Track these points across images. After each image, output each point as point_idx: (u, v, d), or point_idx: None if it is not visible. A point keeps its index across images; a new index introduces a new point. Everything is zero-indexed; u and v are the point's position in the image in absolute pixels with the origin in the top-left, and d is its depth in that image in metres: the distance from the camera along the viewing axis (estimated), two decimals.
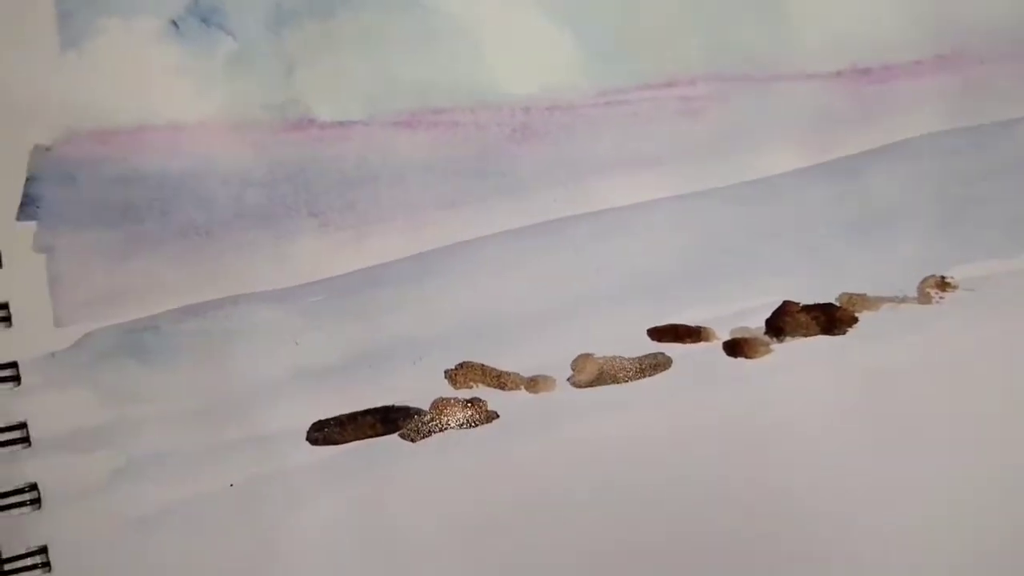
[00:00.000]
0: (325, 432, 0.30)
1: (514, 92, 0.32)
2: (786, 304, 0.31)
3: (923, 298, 0.31)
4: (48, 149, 0.31)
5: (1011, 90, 0.32)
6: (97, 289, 0.30)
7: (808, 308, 0.31)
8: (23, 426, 0.30)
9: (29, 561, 0.29)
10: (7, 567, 0.29)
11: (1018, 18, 0.33)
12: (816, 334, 0.31)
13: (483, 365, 0.31)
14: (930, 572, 0.30)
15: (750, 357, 0.31)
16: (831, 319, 0.31)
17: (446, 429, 0.30)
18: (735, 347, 0.31)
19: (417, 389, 0.30)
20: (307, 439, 0.30)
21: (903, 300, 0.31)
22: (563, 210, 0.32)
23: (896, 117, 0.32)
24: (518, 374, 0.31)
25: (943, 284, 0.31)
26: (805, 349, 0.31)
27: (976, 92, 0.32)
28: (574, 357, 0.31)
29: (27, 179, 0.31)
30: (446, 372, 0.31)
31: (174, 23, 0.32)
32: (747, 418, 0.30)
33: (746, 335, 0.31)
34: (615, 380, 0.31)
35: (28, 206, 0.31)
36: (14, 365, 0.30)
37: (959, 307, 0.31)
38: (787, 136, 0.32)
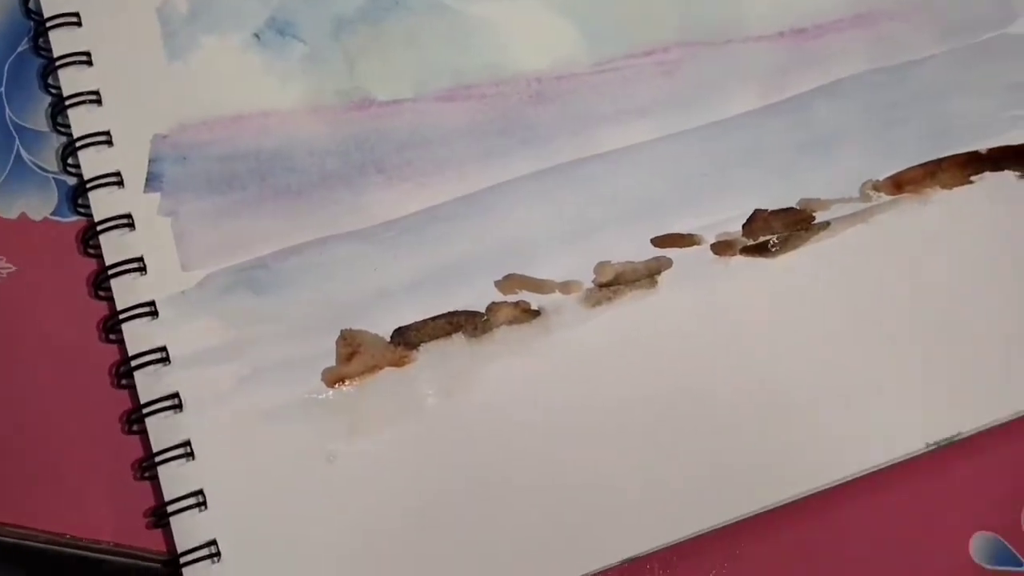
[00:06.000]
0: (405, 336, 0.38)
1: (528, 68, 0.40)
2: (756, 212, 0.39)
3: (864, 197, 0.40)
4: (165, 137, 0.39)
5: (916, 37, 0.41)
6: (214, 240, 0.38)
7: (774, 213, 0.39)
8: (163, 349, 0.37)
9: (176, 452, 0.36)
10: (158, 458, 0.36)
11: None
12: (782, 231, 0.39)
13: (524, 275, 0.38)
14: None
15: (732, 255, 0.39)
16: (794, 219, 0.39)
17: (500, 326, 0.38)
18: (720, 247, 0.39)
19: (475, 298, 0.38)
20: (391, 342, 0.38)
21: (849, 200, 0.40)
22: (574, 155, 0.40)
23: (829, 63, 0.41)
24: (553, 280, 0.38)
25: (878, 186, 0.40)
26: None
27: (889, 40, 0.41)
28: (595, 265, 0.39)
29: (150, 160, 0.39)
30: (495, 283, 0.38)
31: (256, 36, 0.40)
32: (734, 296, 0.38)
33: (728, 238, 0.39)
34: (629, 279, 0.39)
35: (152, 181, 0.39)
36: (152, 303, 0.38)
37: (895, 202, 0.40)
38: (745, 85, 0.41)
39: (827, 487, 0.37)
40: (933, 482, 0.38)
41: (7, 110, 0.41)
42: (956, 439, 0.37)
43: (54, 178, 0.41)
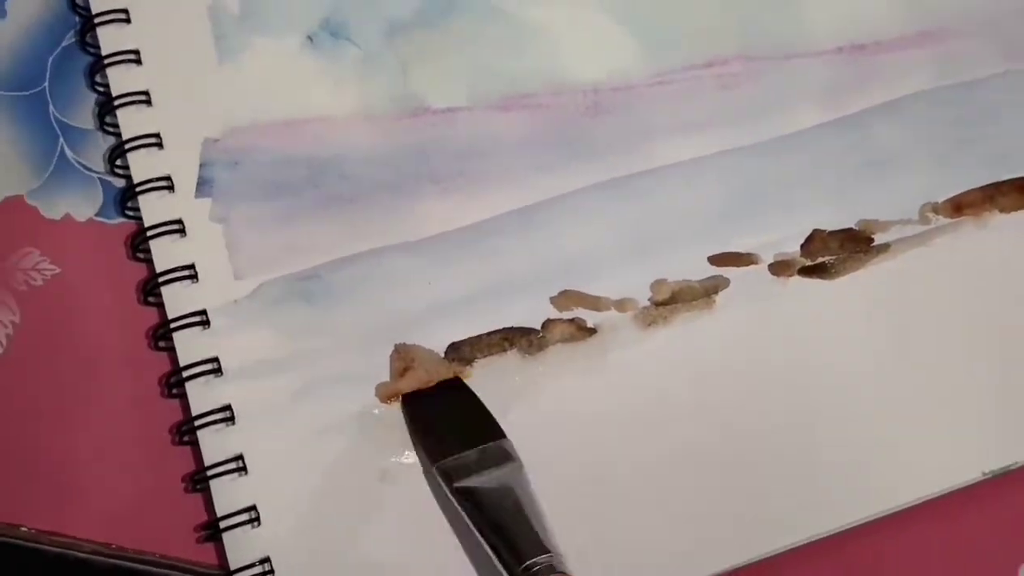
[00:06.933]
0: (460, 351, 0.37)
1: (585, 78, 0.40)
2: (815, 231, 0.39)
3: (923, 220, 0.39)
4: (216, 141, 0.38)
5: (979, 55, 0.41)
6: (267, 248, 0.37)
7: (833, 233, 0.39)
8: (215, 360, 0.37)
9: (229, 467, 0.36)
10: (210, 472, 0.36)
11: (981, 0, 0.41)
12: (840, 252, 0.39)
13: (580, 292, 0.38)
14: None
15: (790, 275, 0.39)
16: (852, 240, 0.39)
17: (555, 343, 0.37)
18: (777, 268, 0.39)
19: (529, 314, 0.38)
20: (445, 357, 0.37)
21: (908, 222, 0.39)
22: (630, 168, 0.39)
23: (890, 81, 0.40)
24: (608, 298, 0.38)
25: (938, 208, 0.39)
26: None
27: (953, 58, 0.41)
28: (651, 282, 0.38)
29: (201, 165, 0.38)
30: (551, 299, 0.38)
31: (309, 38, 0.39)
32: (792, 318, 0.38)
33: (785, 257, 0.39)
34: (686, 298, 0.38)
35: (203, 186, 0.38)
36: (204, 312, 0.37)
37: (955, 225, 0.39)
38: (804, 100, 0.40)
39: (882, 516, 0.36)
40: (983, 512, 0.38)
41: (51, 107, 0.40)
42: (1013, 468, 0.37)
43: (99, 178, 0.40)
